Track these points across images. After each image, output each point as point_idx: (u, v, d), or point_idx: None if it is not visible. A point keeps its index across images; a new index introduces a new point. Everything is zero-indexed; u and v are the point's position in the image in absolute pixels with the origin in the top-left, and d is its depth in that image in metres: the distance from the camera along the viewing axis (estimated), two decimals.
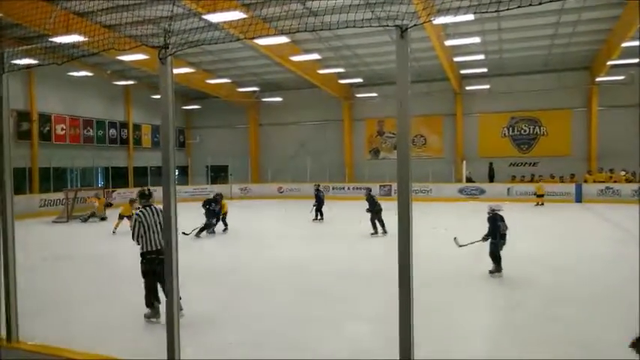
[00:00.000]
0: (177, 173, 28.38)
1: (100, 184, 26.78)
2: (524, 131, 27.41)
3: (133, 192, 26.05)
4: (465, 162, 26.82)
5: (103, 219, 18.89)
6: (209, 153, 32.89)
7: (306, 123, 32.15)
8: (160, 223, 6.33)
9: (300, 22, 16.31)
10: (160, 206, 4.23)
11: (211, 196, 15.24)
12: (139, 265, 6.42)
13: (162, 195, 3.89)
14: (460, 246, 9.24)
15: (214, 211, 14.38)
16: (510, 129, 27.66)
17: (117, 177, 28.44)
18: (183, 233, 12.99)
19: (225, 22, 15.84)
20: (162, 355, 3.95)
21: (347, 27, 3.46)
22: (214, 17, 15.24)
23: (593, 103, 25.58)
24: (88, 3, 15.65)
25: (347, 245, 12.68)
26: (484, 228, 8.93)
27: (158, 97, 4.00)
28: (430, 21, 3.67)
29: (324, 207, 17.89)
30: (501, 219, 8.81)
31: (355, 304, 7.33)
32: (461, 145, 28.30)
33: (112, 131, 28.92)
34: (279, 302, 7.48)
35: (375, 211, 13.72)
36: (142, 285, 6.45)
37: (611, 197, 22.59)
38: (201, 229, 13.97)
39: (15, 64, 4.70)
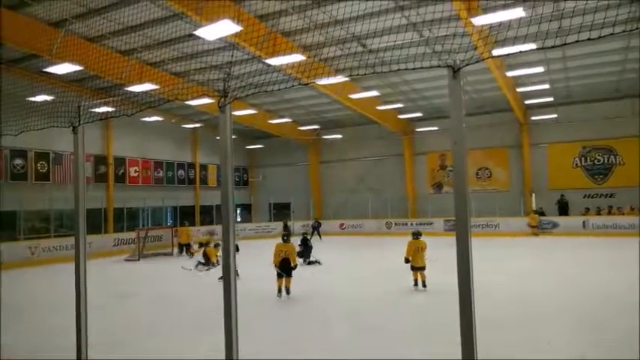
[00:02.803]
0: (240, 210, 29.34)
1: (169, 222, 27.90)
2: (598, 161, 25.94)
3: (199, 230, 27.05)
4: (534, 195, 25.67)
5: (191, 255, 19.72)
6: (272, 191, 33.58)
7: (366, 159, 32.21)
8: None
9: (359, 62, 16.65)
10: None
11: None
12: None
13: (222, 231, 4.03)
14: None
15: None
16: (583, 159, 26.29)
17: (185, 215, 29.56)
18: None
19: (286, 65, 16.39)
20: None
21: (399, 70, 3.47)
22: (275, 61, 15.80)
23: None
24: (161, 54, 16.78)
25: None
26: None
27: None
28: (483, 59, 3.63)
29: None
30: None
31: None
32: (528, 177, 27.19)
33: (181, 172, 30.31)
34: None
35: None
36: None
37: None
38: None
39: (93, 114, 5.10)
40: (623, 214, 23.69)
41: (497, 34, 12.01)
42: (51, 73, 15.84)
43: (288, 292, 10.98)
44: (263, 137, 33.74)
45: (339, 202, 31.73)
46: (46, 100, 12.03)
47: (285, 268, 10.92)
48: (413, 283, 11.51)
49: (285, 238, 11.62)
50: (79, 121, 4.60)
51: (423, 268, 11.33)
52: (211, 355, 6.39)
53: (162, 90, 15.92)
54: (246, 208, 34.48)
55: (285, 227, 27.19)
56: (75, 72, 15.99)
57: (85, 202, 4.80)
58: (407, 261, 11.46)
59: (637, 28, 3.64)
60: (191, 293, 12.18)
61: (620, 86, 23.33)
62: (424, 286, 11.30)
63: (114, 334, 8.11)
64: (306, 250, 16.39)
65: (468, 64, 3.15)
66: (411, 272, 11.53)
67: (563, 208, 25.49)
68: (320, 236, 25.59)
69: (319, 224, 26.67)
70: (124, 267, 18.21)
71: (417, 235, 11.86)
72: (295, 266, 11.20)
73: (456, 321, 3.28)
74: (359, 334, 7.84)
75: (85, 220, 4.78)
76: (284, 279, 10.95)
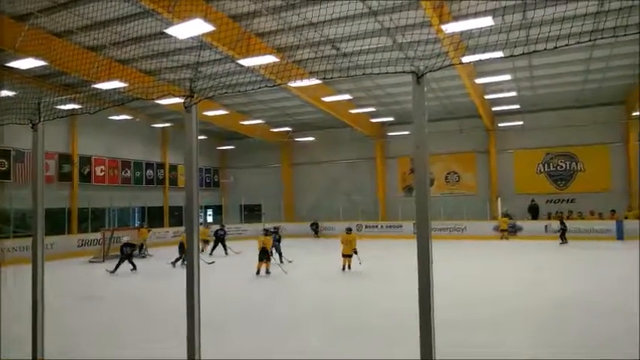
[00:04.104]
0: (211, 212, 29.33)
1: (136, 223, 27.41)
2: (561, 167, 26.76)
3: (168, 231, 26.67)
4: (499, 199, 26.26)
5: (144, 257, 19.61)
6: (243, 192, 33.38)
7: (338, 162, 32.34)
8: None
9: (332, 65, 16.73)
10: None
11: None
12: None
13: (185, 233, 4.01)
14: None
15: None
16: (546, 165, 27.06)
17: (153, 217, 29.09)
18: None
19: (259, 66, 16.32)
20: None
21: (364, 74, 3.52)
22: (248, 61, 15.72)
23: (630, 138, 24.83)
24: (130, 50, 16.48)
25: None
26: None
27: None
28: (448, 66, 3.71)
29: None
30: None
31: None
32: (495, 182, 27.81)
33: (149, 172, 29.78)
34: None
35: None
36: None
37: None
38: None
39: (56, 111, 4.97)
40: (583, 218, 24.50)
41: (467, 41, 12.26)
42: (13, 68, 15.36)
43: (267, 271, 14.18)
44: (235, 138, 33.49)
45: (311, 204, 31.76)
46: (8, 96, 11.68)
47: (262, 254, 14.21)
48: (341, 267, 14.61)
49: (265, 231, 15.39)
50: (40, 118, 4.48)
51: (350, 256, 14.54)
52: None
53: (129, 88, 15.63)
54: (218, 210, 34.15)
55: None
56: (39, 67, 15.56)
57: (43, 202, 4.67)
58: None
59: (600, 38, 3.78)
60: (157, 295, 12.00)
61: (583, 95, 24.14)
62: (349, 268, 14.55)
63: (71, 337, 7.91)
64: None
65: (431, 71, 3.22)
66: (341, 259, 14.67)
67: (534, 212, 26.12)
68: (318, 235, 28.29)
69: (317, 225, 29.32)
70: (88, 268, 17.80)
71: (348, 230, 15.38)
72: (272, 252, 14.48)
73: (415, 323, 3.34)
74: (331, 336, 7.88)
75: (43, 220, 4.65)
76: (264, 262, 14.19)
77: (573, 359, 6.56)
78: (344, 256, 14.68)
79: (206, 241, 20.57)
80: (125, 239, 17.24)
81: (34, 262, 4.54)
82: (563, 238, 21.84)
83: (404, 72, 3.41)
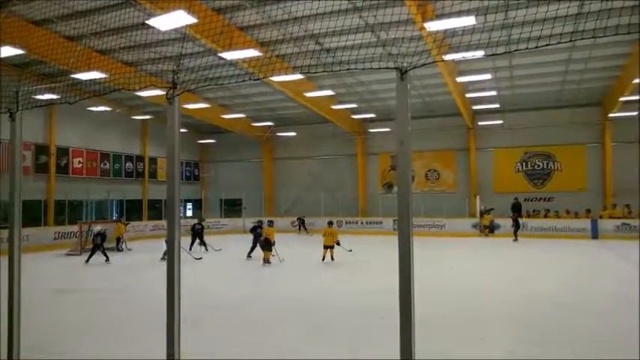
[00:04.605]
0: (190, 206, 29.18)
1: (114, 216, 27.06)
2: (538, 166, 27.20)
3: (147, 225, 26.39)
4: (478, 197, 26.59)
5: (120, 250, 19.38)
6: (223, 186, 33.19)
7: (319, 157, 32.36)
8: None
9: (315, 60, 16.72)
10: None
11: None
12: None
13: (167, 226, 3.98)
14: None
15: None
16: (524, 164, 27.48)
17: (131, 210, 28.76)
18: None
19: (241, 60, 16.22)
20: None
21: (349, 70, 3.53)
22: (230, 55, 15.61)
23: (606, 139, 25.39)
24: (110, 41, 16.20)
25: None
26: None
27: None
28: (430, 63, 3.74)
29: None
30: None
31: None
32: (474, 180, 28.16)
33: (129, 165, 29.38)
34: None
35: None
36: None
37: (628, 234, 22.06)
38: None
39: (34, 101, 4.87)
40: (559, 217, 24.97)
41: (450, 40, 12.37)
42: None
43: (268, 261, 15.22)
44: (215, 132, 33.23)
45: (291, 199, 31.74)
46: None
47: (265, 245, 15.33)
48: (322, 258, 15.56)
49: (270, 223, 16.11)
50: (18, 107, 4.38)
51: (331, 247, 15.63)
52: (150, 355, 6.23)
53: (110, 79, 15.40)
54: (197, 204, 33.90)
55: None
56: (16, 56, 15.20)
57: (20, 193, 4.58)
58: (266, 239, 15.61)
59: (579, 39, 3.85)
60: (135, 288, 11.88)
61: (561, 96, 24.58)
62: (332, 259, 15.54)
63: (46, 332, 7.78)
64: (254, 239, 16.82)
65: (415, 67, 3.25)
66: (322, 250, 15.67)
67: (517, 210, 26.40)
68: (306, 230, 27.22)
69: (303, 220, 27.99)
70: (64, 261, 17.51)
71: (330, 223, 16.68)
72: (273, 242, 15.41)
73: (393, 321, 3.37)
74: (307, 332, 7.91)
75: (20, 212, 4.56)
76: (265, 252, 15.28)
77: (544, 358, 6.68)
78: (325, 247, 15.68)
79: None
80: (97, 229, 17.12)
81: (11, 256, 4.46)
82: (516, 236, 22.32)
83: (388, 68, 3.43)
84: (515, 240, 22.09)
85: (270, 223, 16.14)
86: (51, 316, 8.94)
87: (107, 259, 16.26)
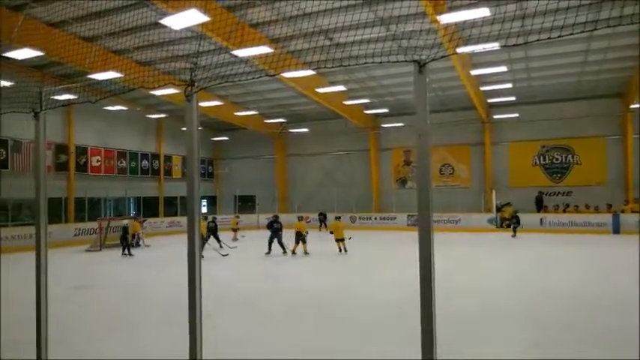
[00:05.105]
0: (205, 203, 29.47)
1: (132, 213, 27.41)
2: (557, 160, 26.82)
3: (164, 221, 26.72)
4: (494, 191, 26.37)
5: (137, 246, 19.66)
6: (237, 183, 33.39)
7: (332, 153, 32.36)
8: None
9: (326, 55, 16.70)
10: None
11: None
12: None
13: (187, 222, 4.01)
14: None
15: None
16: (542, 157, 27.13)
17: (148, 207, 29.13)
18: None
19: (253, 57, 16.29)
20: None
21: (365, 64, 3.53)
22: (242, 52, 15.68)
23: (628, 131, 24.87)
24: (125, 41, 16.38)
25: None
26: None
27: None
28: (449, 55, 3.73)
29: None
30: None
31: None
32: (490, 174, 27.90)
33: (145, 162, 29.72)
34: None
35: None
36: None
37: None
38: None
39: (54, 101, 4.97)
40: (579, 212, 24.61)
41: (463, 32, 12.26)
42: (10, 58, 15.25)
43: (305, 252, 16.47)
44: (229, 129, 33.42)
45: (304, 195, 31.80)
46: (4, 86, 11.60)
47: (297, 237, 16.50)
48: (338, 250, 16.65)
49: (300, 218, 18.00)
50: (41, 106, 4.48)
51: (342, 240, 16.68)
52: (172, 351, 6.30)
53: (126, 78, 15.58)
54: (212, 200, 34.16)
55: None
56: (35, 57, 15.45)
57: (46, 191, 4.67)
58: (331, 232, 17.14)
59: (596, 29, 3.80)
60: (154, 284, 12.03)
61: (579, 87, 24.18)
62: (345, 251, 16.62)
63: (69, 328, 7.93)
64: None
65: (433, 59, 3.23)
66: (335, 243, 16.74)
67: (540, 204, 26.19)
68: (327, 227, 26.33)
69: (324, 216, 27.47)
70: (84, 257, 17.81)
71: (338, 218, 18.02)
72: (307, 233, 16.73)
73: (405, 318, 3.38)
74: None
75: (46, 210, 4.65)
76: (299, 244, 16.44)
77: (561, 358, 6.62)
78: (337, 240, 16.72)
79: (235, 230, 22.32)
80: (125, 222, 18.58)
81: (38, 251, 4.55)
82: (515, 232, 21.86)
83: (406, 61, 3.43)
84: (514, 236, 21.63)
85: (300, 219, 17.87)
86: (73, 311, 9.09)
87: (128, 254, 17.31)
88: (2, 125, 19.70)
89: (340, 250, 16.64)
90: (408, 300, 5.18)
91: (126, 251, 17.56)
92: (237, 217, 24.66)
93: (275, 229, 16.82)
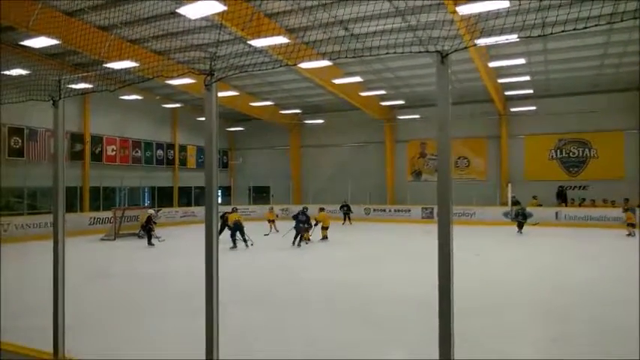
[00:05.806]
0: (220, 193, 29.46)
1: (147, 203, 27.64)
2: (574, 154, 26.45)
3: (178, 211, 26.88)
4: (510, 185, 26.08)
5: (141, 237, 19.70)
6: (251, 174, 33.48)
7: (347, 145, 32.24)
8: None
9: (342, 46, 16.57)
10: None
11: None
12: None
13: (205, 212, 4.00)
14: None
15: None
16: (558, 151, 26.78)
17: (162, 197, 29.34)
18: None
19: (269, 47, 16.23)
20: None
21: (387, 54, 3.46)
22: (259, 42, 15.63)
23: None
24: (141, 30, 16.40)
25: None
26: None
27: (203, 119, 4.13)
28: (471, 46, 3.64)
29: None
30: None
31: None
32: (506, 167, 27.61)
33: (159, 152, 29.88)
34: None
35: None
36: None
37: None
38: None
39: (72, 89, 4.98)
40: (595, 206, 24.28)
41: (483, 23, 12.05)
42: (27, 47, 15.37)
43: (325, 237, 18.15)
44: (244, 120, 33.45)
45: (319, 187, 31.77)
46: (21, 75, 11.69)
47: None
48: (320, 238, 17.95)
49: (321, 210, 19.04)
50: (60, 95, 4.48)
51: (327, 228, 18.24)
52: (186, 343, 6.30)
53: (142, 67, 15.62)
54: (226, 191, 34.32)
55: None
56: (51, 46, 15.55)
57: (64, 178, 4.69)
58: (317, 223, 18.18)
59: (618, 21, 3.68)
60: (168, 273, 12.12)
61: (598, 81, 23.75)
62: (326, 238, 18.06)
63: (87, 315, 8.02)
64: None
65: (456, 50, 3.16)
66: (320, 230, 18.08)
67: (563, 198, 25.88)
68: (350, 220, 25.91)
69: (349, 207, 26.70)
70: (99, 246, 18.00)
71: (322, 209, 19.10)
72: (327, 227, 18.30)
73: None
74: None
75: (64, 196, 4.68)
76: (322, 230, 18.18)
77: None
78: (323, 228, 18.25)
79: (272, 221, 21.90)
80: (150, 212, 18.91)
81: (56, 239, 4.58)
82: (520, 228, 21.04)
83: (428, 52, 3.36)
84: (520, 232, 20.91)
85: (322, 210, 18.92)
86: (88, 299, 9.18)
87: (149, 243, 17.46)
88: (18, 114, 19.93)
89: (323, 238, 18.01)
90: (427, 295, 5.14)
91: (152, 240, 17.57)
92: (272, 208, 23.49)
93: (300, 221, 16.81)
